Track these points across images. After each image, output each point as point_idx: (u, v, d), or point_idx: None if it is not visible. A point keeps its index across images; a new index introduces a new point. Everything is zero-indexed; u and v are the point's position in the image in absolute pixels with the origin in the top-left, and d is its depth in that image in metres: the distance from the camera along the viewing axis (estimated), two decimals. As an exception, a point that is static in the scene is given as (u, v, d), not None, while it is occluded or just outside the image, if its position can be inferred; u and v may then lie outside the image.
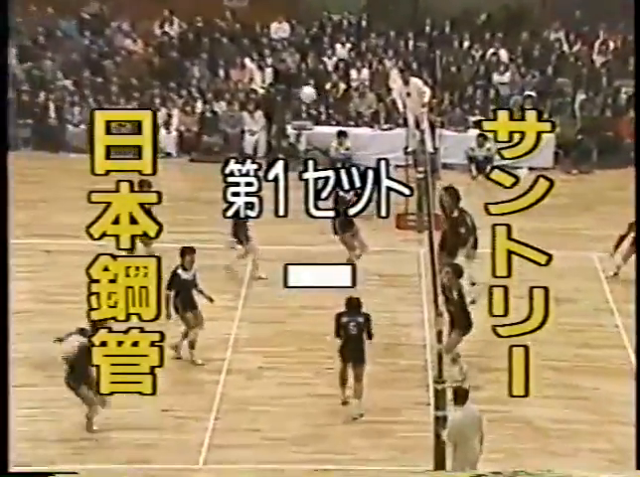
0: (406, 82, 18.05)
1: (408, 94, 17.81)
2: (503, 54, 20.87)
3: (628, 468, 10.59)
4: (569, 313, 13.39)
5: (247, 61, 20.75)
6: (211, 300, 12.66)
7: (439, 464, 10.08)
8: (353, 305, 11.51)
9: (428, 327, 12.78)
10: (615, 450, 11.02)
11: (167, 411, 11.57)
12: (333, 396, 11.86)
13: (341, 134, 19.09)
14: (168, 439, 11.16)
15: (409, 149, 17.54)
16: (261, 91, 20.26)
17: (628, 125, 19.27)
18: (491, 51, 20.89)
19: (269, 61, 20.78)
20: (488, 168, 18.86)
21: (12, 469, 8.13)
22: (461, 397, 9.87)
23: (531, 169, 18.86)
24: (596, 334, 13.17)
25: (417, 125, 17.81)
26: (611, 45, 20.86)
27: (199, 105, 19.96)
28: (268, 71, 20.65)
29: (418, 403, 11.59)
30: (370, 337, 11.58)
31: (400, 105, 18.32)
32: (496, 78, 20.48)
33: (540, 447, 11.08)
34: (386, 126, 19.55)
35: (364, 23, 21.88)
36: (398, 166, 18.48)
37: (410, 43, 21.27)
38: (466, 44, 21.24)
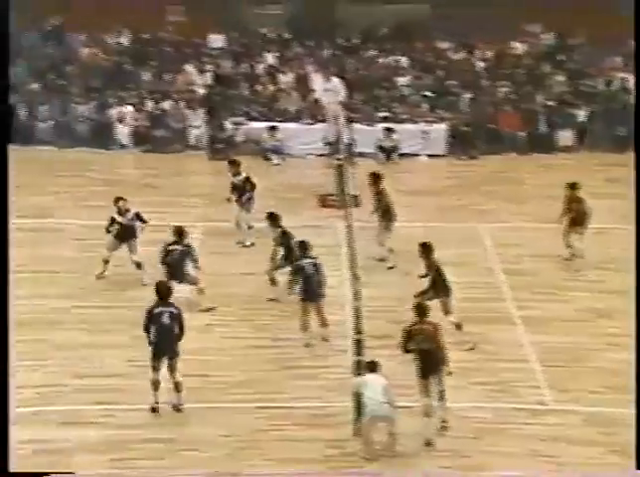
0: (327, 80, 18.01)
1: (328, 90, 17.77)
2: (403, 60, 20.93)
3: (512, 397, 10.80)
4: (462, 274, 13.55)
5: (189, 66, 20.41)
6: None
7: (358, 402, 10.07)
8: None
9: (348, 287, 12.75)
10: (497, 382, 11.12)
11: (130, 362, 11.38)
12: (267, 347, 11.79)
13: (272, 128, 18.95)
14: (132, 385, 10.93)
15: (329, 140, 17.52)
16: (202, 92, 19.96)
17: (505, 118, 19.49)
18: (393, 58, 20.94)
19: (208, 66, 20.46)
20: (395, 156, 19.00)
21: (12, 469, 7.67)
22: (372, 368, 9.82)
23: (429, 156, 19.31)
24: (483, 290, 13.31)
25: (335, 120, 17.80)
26: (488, 53, 21.06)
27: (149, 104, 19.57)
28: (208, 74, 20.34)
29: (340, 351, 11.55)
30: None
31: (322, 102, 18.29)
32: (398, 80, 20.52)
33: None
34: (309, 121, 19.45)
35: (287, 35, 21.71)
36: (320, 155, 18.57)
37: (327, 52, 21.18)
38: (373, 52, 21.24)
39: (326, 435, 10.15)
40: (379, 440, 9.73)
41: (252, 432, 10.21)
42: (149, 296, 12.67)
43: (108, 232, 13.26)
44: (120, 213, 13.31)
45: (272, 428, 10.29)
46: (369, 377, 9.79)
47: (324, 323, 11.92)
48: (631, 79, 19.90)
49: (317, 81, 19.77)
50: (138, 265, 13.20)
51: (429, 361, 9.92)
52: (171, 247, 12.55)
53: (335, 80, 18.27)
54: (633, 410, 10.28)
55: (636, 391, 9.25)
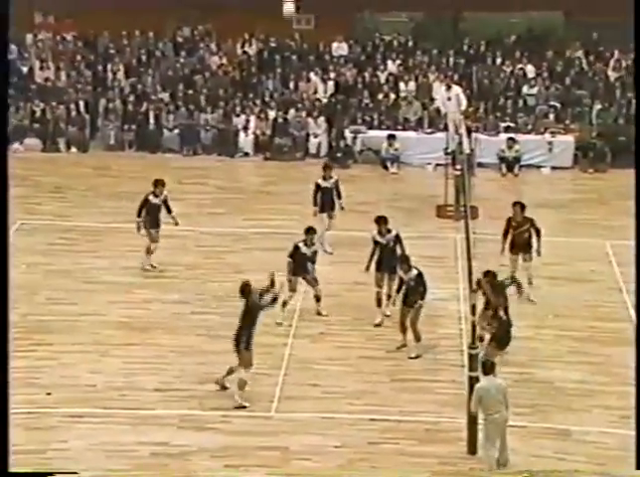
0: (448, 88, 17.86)
1: (449, 99, 17.58)
2: (530, 69, 20.49)
3: (633, 424, 10.34)
4: (586, 291, 13.12)
5: (313, 75, 20.69)
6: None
7: (472, 419, 9.93)
8: None
9: (463, 301, 12.61)
10: (625, 407, 10.73)
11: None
12: (380, 358, 11.79)
13: (390, 137, 18.94)
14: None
15: (449, 150, 17.33)
16: (324, 101, 20.20)
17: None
18: (520, 66, 20.54)
19: (331, 75, 20.71)
20: (516, 167, 18.62)
21: (12, 469, 7.48)
22: (488, 368, 9.70)
23: (553, 168, 18.81)
24: (609, 309, 12.87)
25: (456, 130, 17.59)
26: (624, 63, 20.38)
27: (272, 113, 19.96)
28: (330, 83, 20.56)
29: (454, 365, 11.44)
30: None
31: (443, 110, 18.11)
32: (524, 89, 20.12)
33: (560, 404, 10.84)
34: (429, 130, 19.33)
35: (411, 43, 21.67)
36: (438, 164, 18.41)
37: (451, 59, 21.01)
38: (499, 60, 20.91)
39: (439, 451, 10.04)
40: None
41: (365, 445, 10.21)
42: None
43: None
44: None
45: (385, 441, 10.25)
46: (486, 380, 9.61)
47: (417, 337, 11.86)
48: None
49: (439, 90, 19.61)
50: None
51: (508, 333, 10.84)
52: (300, 245, 12.67)
53: (457, 89, 18.07)
54: None
55: (636, 391, 8.85)
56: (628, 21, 19.51)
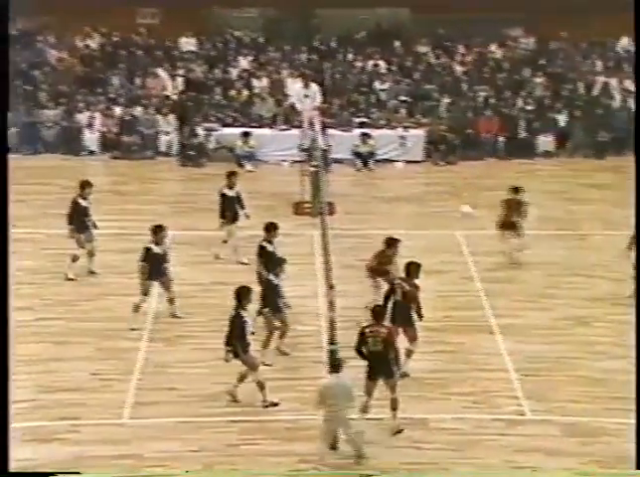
0: (306, 86, 18.01)
1: (306, 96, 17.76)
2: (382, 65, 21.00)
3: (490, 407, 10.83)
4: (439, 282, 13.56)
5: (160, 71, 20.37)
6: None
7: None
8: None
9: (322, 298, 12.74)
10: (478, 393, 11.14)
11: (95, 375, 11.29)
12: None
13: (245, 134, 18.93)
14: (96, 398, 10.85)
15: (304, 146, 17.50)
16: (174, 97, 19.92)
17: (485, 123, 19.66)
18: (371, 62, 21.01)
19: (180, 71, 20.44)
20: (371, 162, 19.05)
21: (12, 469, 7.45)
22: (335, 366, 9.77)
23: (407, 162, 19.41)
24: (462, 298, 13.35)
25: (311, 126, 17.80)
26: (469, 57, 21.26)
27: (118, 109, 19.48)
28: (179, 79, 20.31)
29: (314, 362, 11.54)
30: None
31: (298, 108, 18.27)
32: (376, 85, 20.60)
33: (416, 394, 11.12)
34: (283, 127, 19.45)
35: (262, 39, 21.74)
36: (294, 161, 18.56)
37: (303, 56, 21.22)
38: (350, 56, 21.31)
39: (300, 449, 10.10)
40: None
41: (224, 447, 10.13)
42: (115, 307, 12.68)
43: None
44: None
45: (244, 443, 10.21)
46: (334, 377, 9.66)
47: (283, 335, 11.87)
48: (612, 83, 20.16)
49: (293, 86, 19.79)
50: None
51: (379, 363, 10.06)
52: (151, 247, 12.35)
53: (314, 87, 18.31)
54: (611, 419, 10.35)
55: (636, 391, 9.22)
56: (471, 16, 20.57)
